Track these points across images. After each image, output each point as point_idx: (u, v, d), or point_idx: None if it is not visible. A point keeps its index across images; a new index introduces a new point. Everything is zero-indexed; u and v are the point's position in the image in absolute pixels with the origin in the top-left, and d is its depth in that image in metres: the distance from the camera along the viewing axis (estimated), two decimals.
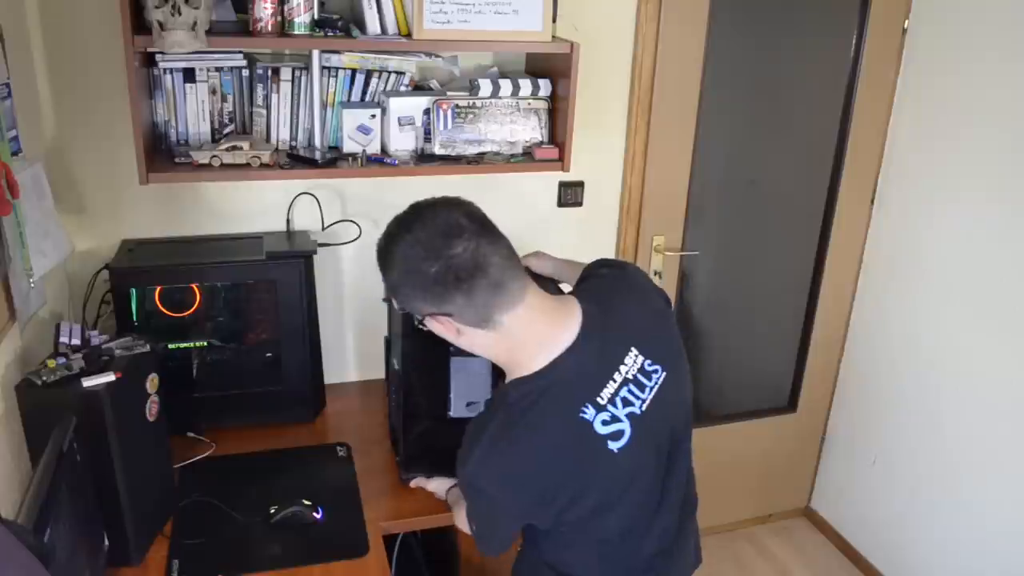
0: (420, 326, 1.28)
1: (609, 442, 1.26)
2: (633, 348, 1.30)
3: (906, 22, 2.57)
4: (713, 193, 2.65)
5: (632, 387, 1.29)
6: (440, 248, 1.15)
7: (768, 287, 2.90)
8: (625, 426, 1.27)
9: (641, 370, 1.30)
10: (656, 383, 1.31)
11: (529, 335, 1.23)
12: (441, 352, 1.83)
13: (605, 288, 1.36)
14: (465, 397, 1.87)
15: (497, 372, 1.84)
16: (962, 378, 2.46)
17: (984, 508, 2.42)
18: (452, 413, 1.88)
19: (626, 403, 1.28)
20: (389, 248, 1.21)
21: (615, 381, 1.27)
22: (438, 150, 2.01)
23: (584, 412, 1.25)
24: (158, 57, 1.85)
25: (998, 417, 2.35)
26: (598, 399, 1.26)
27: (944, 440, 2.54)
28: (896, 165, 2.68)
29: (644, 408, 1.29)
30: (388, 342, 1.96)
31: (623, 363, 1.29)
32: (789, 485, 3.16)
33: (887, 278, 2.75)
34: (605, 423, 1.26)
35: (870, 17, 2.54)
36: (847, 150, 2.69)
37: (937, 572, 2.60)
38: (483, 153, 2.05)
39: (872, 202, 2.77)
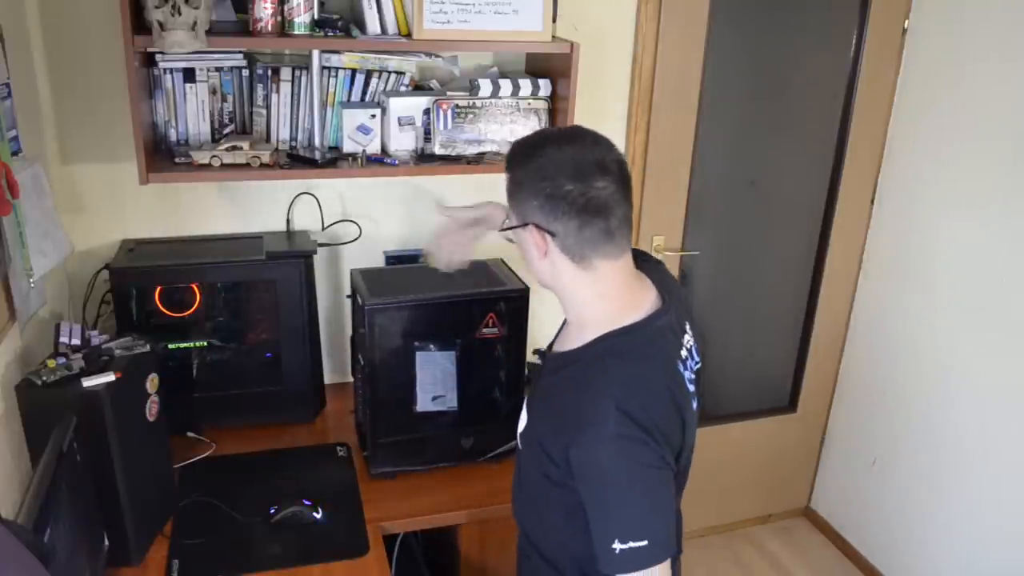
0: (504, 232, 1.28)
1: (693, 401, 1.28)
2: (688, 327, 1.33)
3: (906, 22, 2.57)
4: (713, 193, 2.65)
5: (690, 360, 1.31)
6: (587, 175, 1.15)
7: (768, 287, 2.90)
8: (692, 390, 1.29)
9: (691, 349, 1.32)
10: (696, 366, 1.34)
11: (619, 288, 1.24)
12: (407, 347, 1.84)
13: (661, 272, 1.38)
14: (431, 391, 1.88)
15: (467, 367, 1.88)
16: (962, 378, 2.46)
17: (984, 508, 2.42)
18: (418, 407, 1.89)
19: (690, 370, 1.30)
20: (541, 147, 1.20)
21: (685, 348, 1.29)
22: (438, 150, 2.01)
23: (679, 365, 1.26)
24: (158, 57, 1.85)
25: (998, 417, 2.35)
26: (681, 357, 1.27)
27: (944, 440, 2.54)
28: (896, 165, 2.68)
29: (694, 381, 1.31)
30: (354, 339, 1.97)
31: (686, 334, 1.31)
32: (789, 485, 3.15)
33: (887, 278, 2.75)
34: (689, 381, 1.28)
35: (870, 17, 2.54)
36: (847, 150, 2.69)
37: (937, 572, 2.60)
38: (483, 153, 2.05)
39: (872, 202, 2.77)
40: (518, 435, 1.39)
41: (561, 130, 1.25)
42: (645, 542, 1.15)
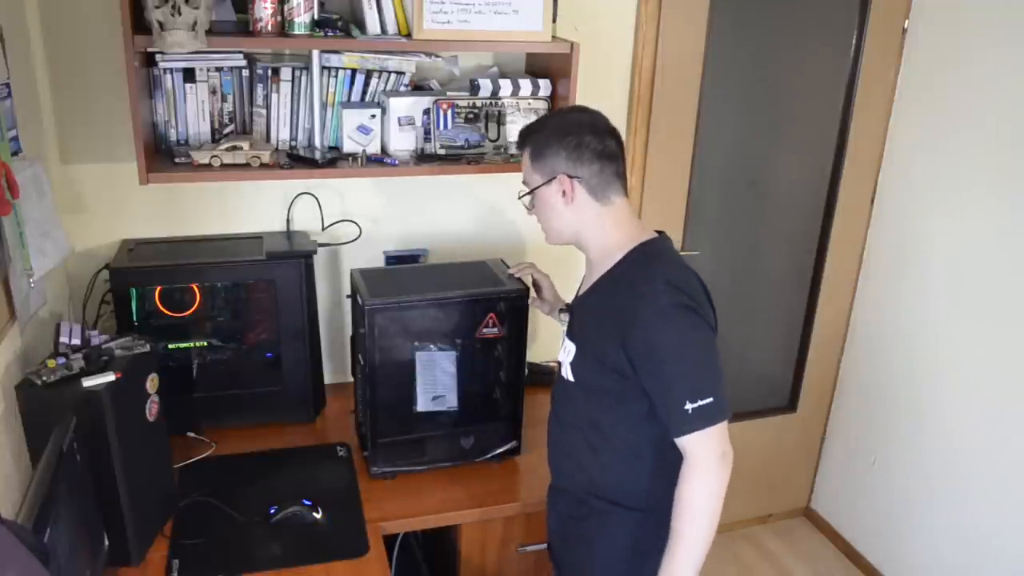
0: (523, 198, 1.55)
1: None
2: None
3: (906, 22, 2.57)
4: (713, 193, 2.65)
5: None
6: (600, 132, 1.48)
7: (768, 287, 2.90)
8: None
9: None
10: None
11: (631, 217, 1.52)
12: (407, 347, 1.84)
13: None
14: (431, 391, 1.89)
15: (467, 367, 1.90)
16: (962, 378, 2.46)
17: (984, 508, 2.42)
18: (419, 407, 1.89)
19: None
20: (556, 115, 1.60)
21: None
22: (438, 150, 2.01)
23: None
24: (158, 57, 1.85)
25: (998, 417, 2.35)
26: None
27: (944, 440, 2.54)
28: (896, 165, 2.68)
29: None
30: (354, 339, 1.96)
31: None
32: (789, 485, 3.16)
33: (887, 278, 2.75)
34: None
35: (870, 17, 2.54)
36: (847, 150, 2.69)
37: (936, 572, 2.60)
38: (483, 153, 2.05)
39: (872, 202, 2.77)
40: (568, 368, 1.54)
41: (577, 106, 1.61)
42: (711, 399, 1.36)
